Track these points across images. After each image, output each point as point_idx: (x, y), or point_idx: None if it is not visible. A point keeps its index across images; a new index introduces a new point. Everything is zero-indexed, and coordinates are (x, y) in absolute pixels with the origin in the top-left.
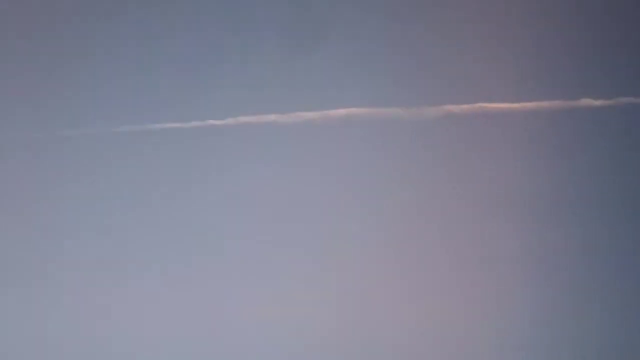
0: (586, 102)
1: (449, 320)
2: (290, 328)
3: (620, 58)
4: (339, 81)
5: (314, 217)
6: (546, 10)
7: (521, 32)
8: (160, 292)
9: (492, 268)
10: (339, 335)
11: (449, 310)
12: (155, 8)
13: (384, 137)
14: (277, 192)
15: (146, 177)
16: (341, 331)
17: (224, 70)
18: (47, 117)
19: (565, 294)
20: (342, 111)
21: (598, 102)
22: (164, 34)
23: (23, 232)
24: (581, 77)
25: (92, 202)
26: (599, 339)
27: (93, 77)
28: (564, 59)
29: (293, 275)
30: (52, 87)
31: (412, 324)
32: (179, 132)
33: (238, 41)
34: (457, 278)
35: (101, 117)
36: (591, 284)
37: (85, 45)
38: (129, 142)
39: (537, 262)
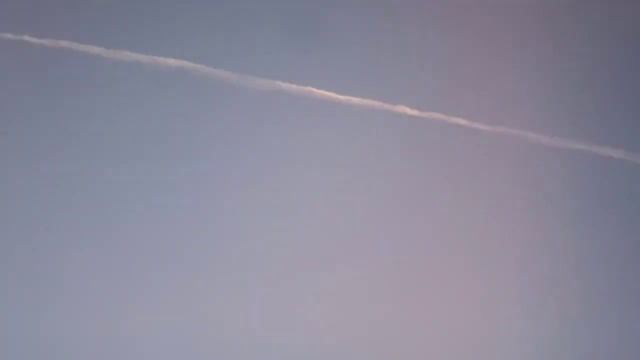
0: (401, 108)
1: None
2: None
3: (441, 75)
4: (175, 30)
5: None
6: (380, 11)
7: (357, 31)
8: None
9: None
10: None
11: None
12: None
13: (206, 96)
14: (91, 127)
15: None
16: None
17: None
18: None
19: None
20: (172, 61)
21: (413, 112)
22: None
23: None
24: (400, 85)
25: None
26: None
27: None
28: (392, 64)
29: None
30: None
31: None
32: None
33: None
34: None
35: None
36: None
37: None
38: None
39: None
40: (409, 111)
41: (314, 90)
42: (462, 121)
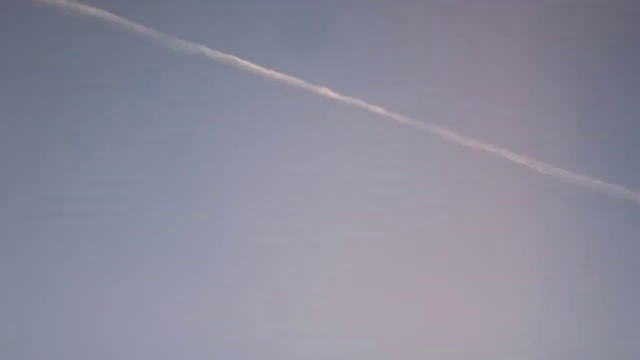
0: (324, 90)
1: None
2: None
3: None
4: None
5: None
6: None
7: (287, 7)
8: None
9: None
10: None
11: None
12: None
13: (125, 52)
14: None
15: None
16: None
17: None
18: None
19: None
20: (93, 10)
21: (334, 95)
22: None
23: None
24: (325, 67)
25: None
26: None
27: None
28: (321, 45)
29: None
30: None
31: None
32: None
33: None
34: None
35: None
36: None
37: None
38: None
39: None
40: (330, 94)
41: (238, 60)
42: (380, 110)
